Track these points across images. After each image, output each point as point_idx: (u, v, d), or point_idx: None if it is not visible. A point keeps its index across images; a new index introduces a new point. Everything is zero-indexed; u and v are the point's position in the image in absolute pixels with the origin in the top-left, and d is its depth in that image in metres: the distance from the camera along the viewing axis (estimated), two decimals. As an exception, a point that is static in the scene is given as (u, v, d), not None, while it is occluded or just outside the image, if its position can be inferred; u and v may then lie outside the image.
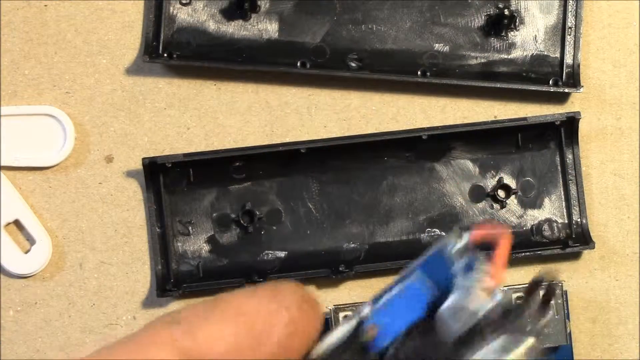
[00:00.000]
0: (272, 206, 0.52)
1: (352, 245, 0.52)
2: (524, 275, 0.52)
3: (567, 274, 0.52)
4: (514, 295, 0.49)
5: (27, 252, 0.52)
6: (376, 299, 0.26)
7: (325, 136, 0.52)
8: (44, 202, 0.52)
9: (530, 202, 0.52)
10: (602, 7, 0.54)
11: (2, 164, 0.52)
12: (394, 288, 0.25)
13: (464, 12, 0.53)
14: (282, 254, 0.52)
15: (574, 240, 0.51)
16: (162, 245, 0.51)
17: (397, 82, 0.52)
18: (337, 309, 0.49)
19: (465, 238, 0.25)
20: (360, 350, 0.25)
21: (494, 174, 0.52)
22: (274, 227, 0.52)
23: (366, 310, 0.26)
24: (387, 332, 0.25)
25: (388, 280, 0.52)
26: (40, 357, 0.52)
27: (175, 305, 0.52)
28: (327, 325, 0.49)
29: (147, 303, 0.52)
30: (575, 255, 0.52)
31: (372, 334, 0.25)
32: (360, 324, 0.26)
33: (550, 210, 0.52)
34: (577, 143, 0.52)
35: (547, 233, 0.52)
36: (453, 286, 0.25)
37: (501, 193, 0.52)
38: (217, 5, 0.52)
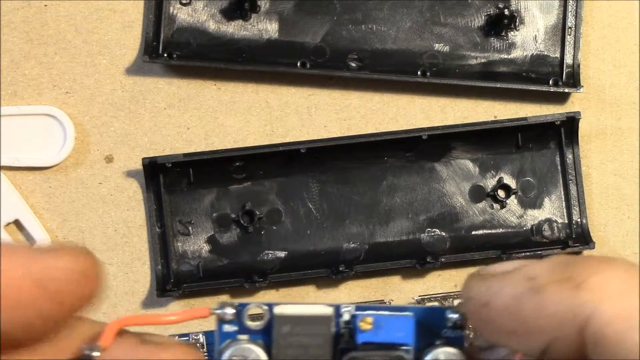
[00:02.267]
0: (272, 206, 0.52)
1: (352, 245, 0.52)
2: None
3: (567, 274, 0.52)
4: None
5: (27, 252, 0.52)
6: (360, 307, 0.26)
7: (325, 136, 0.52)
8: (44, 202, 0.52)
9: (530, 202, 0.52)
10: (602, 7, 0.54)
11: (2, 164, 0.52)
12: (383, 310, 0.26)
13: (464, 12, 0.53)
14: (282, 254, 0.52)
15: (574, 240, 0.51)
16: (162, 245, 0.51)
17: (397, 82, 0.52)
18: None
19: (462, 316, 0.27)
20: (346, 335, 0.26)
21: (494, 174, 0.52)
22: (274, 227, 0.52)
23: (349, 308, 0.26)
24: (374, 335, 0.26)
25: (388, 280, 0.52)
26: (40, 357, 0.52)
27: (175, 306, 0.52)
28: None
29: (147, 303, 0.52)
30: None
31: (366, 326, 0.25)
32: (337, 313, 0.26)
33: (550, 210, 0.52)
34: (577, 143, 0.52)
35: (547, 233, 0.52)
36: (432, 345, 0.26)
37: (501, 193, 0.52)
38: (217, 5, 0.52)
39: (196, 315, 0.27)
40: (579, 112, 0.51)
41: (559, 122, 0.51)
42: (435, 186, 0.52)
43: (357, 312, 0.26)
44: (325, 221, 0.52)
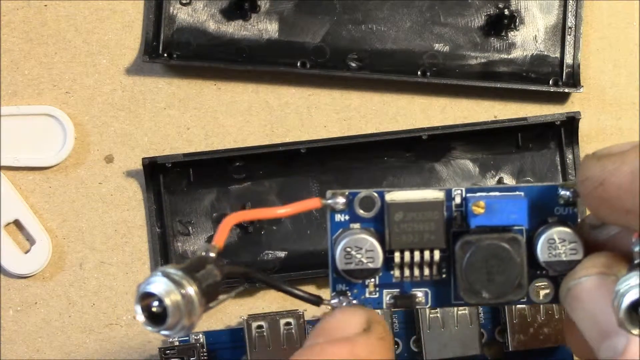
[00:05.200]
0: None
1: (352, 245, 0.52)
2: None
3: (567, 274, 0.52)
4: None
5: (27, 252, 0.52)
6: (471, 190, 0.26)
7: (325, 136, 0.52)
8: (44, 202, 0.52)
9: (530, 202, 0.52)
10: (602, 7, 0.54)
11: (2, 164, 0.52)
12: (494, 191, 0.26)
13: (464, 12, 0.53)
14: (282, 254, 0.52)
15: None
16: (162, 245, 0.51)
17: (397, 82, 0.52)
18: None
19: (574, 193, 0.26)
20: (458, 219, 0.26)
21: (494, 174, 0.52)
22: (274, 227, 0.52)
23: (460, 191, 0.26)
24: (487, 219, 0.25)
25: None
26: (40, 357, 0.52)
27: (175, 305, 0.52)
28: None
29: (147, 303, 0.52)
30: (575, 255, 0.52)
31: (478, 210, 0.25)
32: (448, 196, 0.26)
33: (550, 210, 0.52)
34: (577, 143, 0.52)
35: (547, 233, 0.52)
36: (546, 224, 0.26)
37: (501, 193, 0.52)
38: (217, 5, 0.52)
39: (307, 206, 0.26)
40: (579, 112, 0.51)
41: (559, 122, 0.51)
42: (435, 186, 0.52)
43: (469, 195, 0.26)
44: (325, 221, 0.52)
